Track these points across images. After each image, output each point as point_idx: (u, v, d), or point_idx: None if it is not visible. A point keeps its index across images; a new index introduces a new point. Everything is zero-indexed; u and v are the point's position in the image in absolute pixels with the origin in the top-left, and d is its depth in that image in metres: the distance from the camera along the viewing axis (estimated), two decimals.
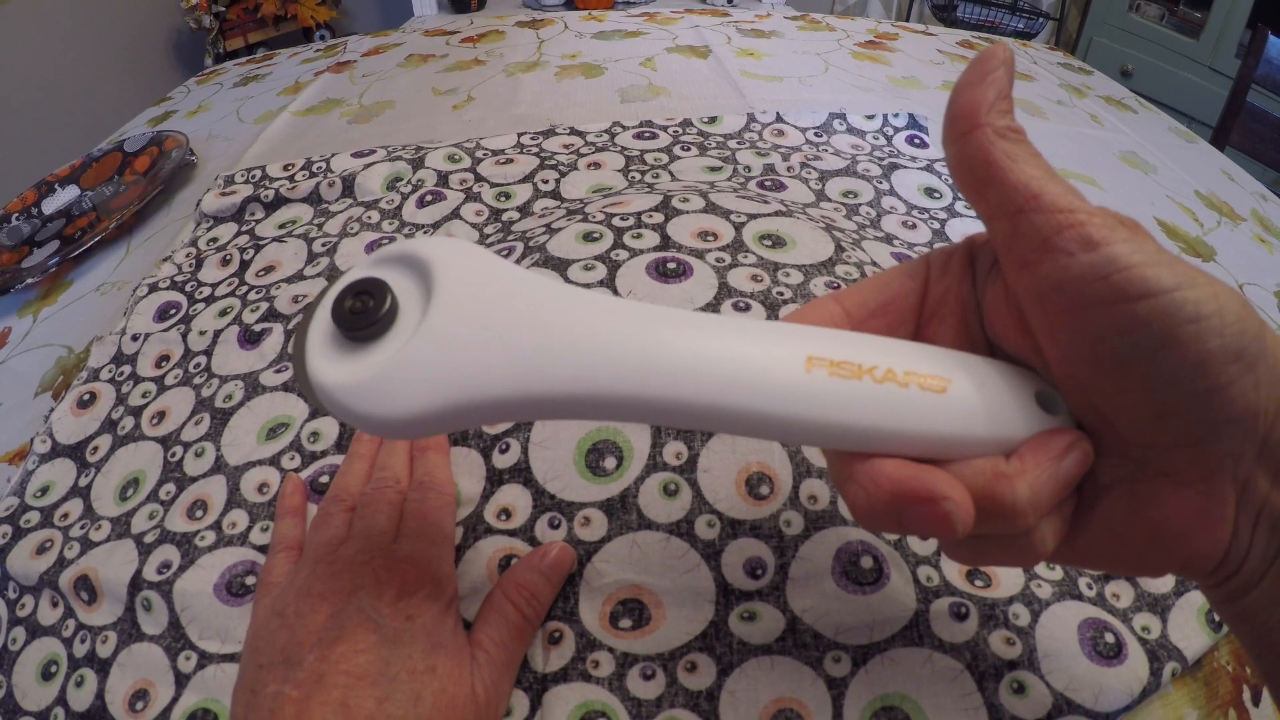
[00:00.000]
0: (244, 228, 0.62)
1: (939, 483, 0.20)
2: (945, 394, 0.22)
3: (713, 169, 0.62)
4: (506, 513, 0.36)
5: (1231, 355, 0.19)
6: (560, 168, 0.64)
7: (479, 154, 0.66)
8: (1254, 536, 0.21)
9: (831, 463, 0.24)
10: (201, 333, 0.50)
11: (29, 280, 0.64)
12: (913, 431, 0.22)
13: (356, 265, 0.23)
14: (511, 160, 0.65)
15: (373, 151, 0.68)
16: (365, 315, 0.20)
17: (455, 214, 0.58)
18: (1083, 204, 0.21)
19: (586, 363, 0.20)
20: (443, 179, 0.62)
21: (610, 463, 0.37)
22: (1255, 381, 0.19)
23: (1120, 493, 0.22)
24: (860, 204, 0.58)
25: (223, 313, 0.52)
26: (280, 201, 0.64)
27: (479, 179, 0.62)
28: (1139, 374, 0.20)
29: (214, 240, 0.61)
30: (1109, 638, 0.33)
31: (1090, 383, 0.21)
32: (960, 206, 0.60)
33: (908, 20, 2.55)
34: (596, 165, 0.64)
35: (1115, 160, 0.77)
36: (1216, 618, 0.34)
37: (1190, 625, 0.34)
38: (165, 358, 0.50)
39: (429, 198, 0.60)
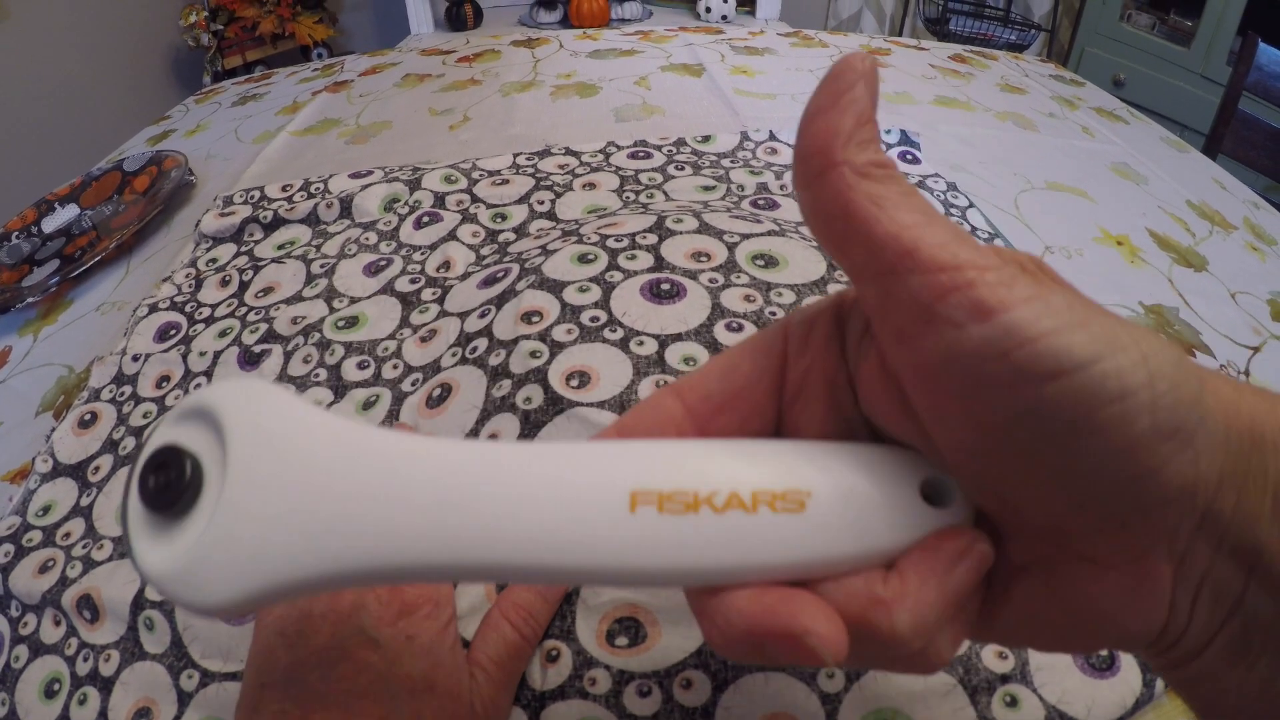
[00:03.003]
0: (243, 248, 0.63)
1: (799, 615, 0.18)
2: (804, 512, 0.19)
3: (706, 188, 0.63)
4: None
5: (1165, 434, 0.16)
6: (556, 188, 0.64)
7: (475, 175, 0.66)
8: (1194, 609, 0.19)
9: (685, 592, 0.21)
10: (202, 354, 0.51)
11: (29, 299, 0.64)
12: (766, 564, 0.19)
13: (161, 421, 0.20)
14: (507, 181, 0.65)
15: (370, 172, 0.69)
16: (168, 491, 0.18)
17: (452, 235, 0.59)
18: (971, 255, 0.16)
19: (384, 535, 0.18)
20: (439, 200, 0.63)
21: None
22: (1194, 455, 0.16)
23: (1036, 576, 0.20)
24: None
25: (222, 334, 0.52)
26: (279, 222, 0.65)
27: (475, 200, 0.63)
28: (1051, 465, 0.17)
29: (213, 261, 0.62)
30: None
31: (991, 473, 0.18)
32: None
33: (900, 34, 2.57)
34: (592, 185, 0.65)
35: (1107, 172, 0.78)
36: None
37: None
38: (166, 378, 0.50)
39: (426, 219, 0.60)
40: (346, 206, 0.64)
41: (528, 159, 0.70)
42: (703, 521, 0.19)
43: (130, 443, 0.46)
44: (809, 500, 0.19)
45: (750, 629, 0.18)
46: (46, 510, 0.44)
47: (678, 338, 0.41)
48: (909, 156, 0.71)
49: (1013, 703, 0.31)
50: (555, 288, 0.44)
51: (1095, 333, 0.16)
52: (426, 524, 0.18)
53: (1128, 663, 0.33)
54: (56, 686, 0.37)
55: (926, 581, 0.18)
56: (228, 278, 0.58)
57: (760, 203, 0.59)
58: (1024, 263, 0.17)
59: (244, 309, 0.55)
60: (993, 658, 0.32)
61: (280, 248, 0.62)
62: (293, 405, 0.19)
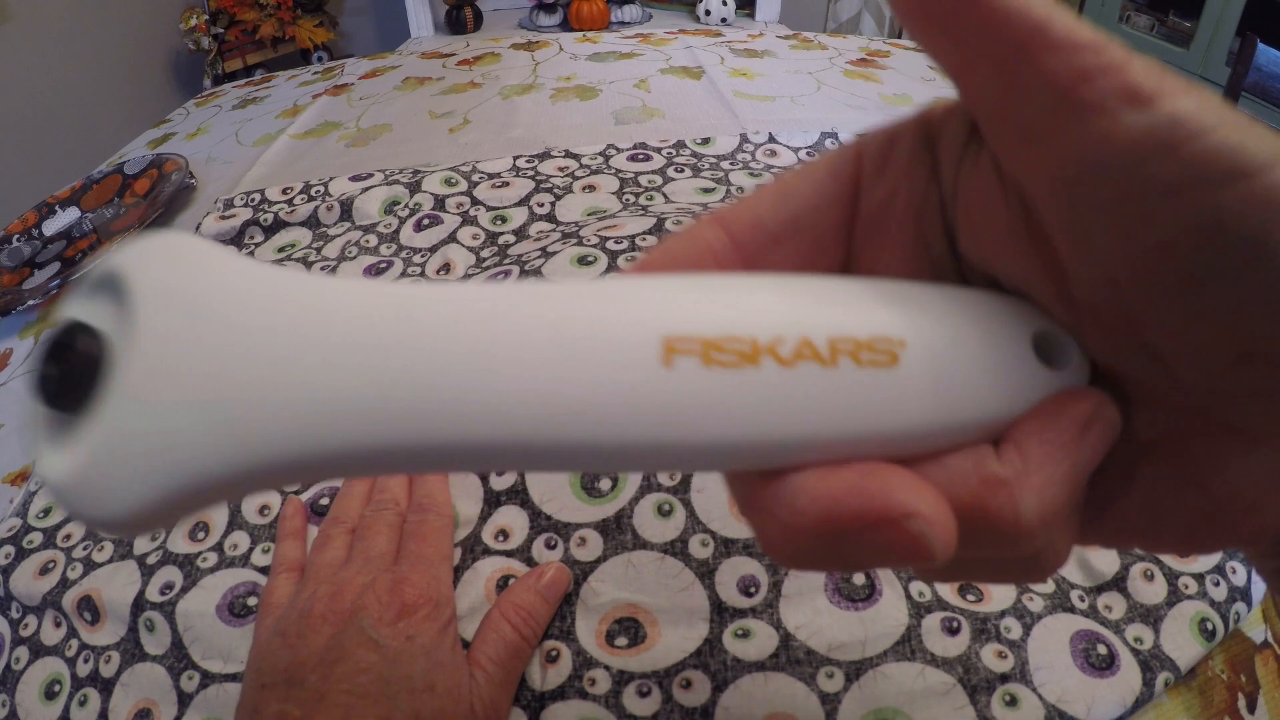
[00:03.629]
0: (243, 251, 0.63)
1: (896, 491, 0.13)
2: (897, 366, 0.15)
3: (706, 190, 0.63)
4: (504, 534, 0.37)
5: None
6: (555, 190, 0.65)
7: (475, 177, 0.67)
8: None
9: (729, 481, 0.17)
10: None
11: (30, 302, 0.64)
12: (847, 434, 0.14)
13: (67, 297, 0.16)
14: (507, 183, 0.65)
15: (370, 175, 0.69)
16: (65, 378, 0.14)
17: (452, 237, 0.59)
18: (1113, 40, 0.13)
19: (334, 408, 0.14)
20: (439, 202, 0.63)
21: (605, 484, 0.37)
22: None
23: (1168, 454, 0.16)
24: None
25: None
26: (279, 225, 0.65)
27: (475, 202, 0.63)
28: (1222, 297, 0.13)
29: None
30: (1101, 649, 0.33)
31: (1142, 313, 0.14)
32: None
33: (900, 37, 2.58)
34: (591, 188, 0.65)
35: None
36: (1210, 627, 0.34)
37: (1183, 635, 0.34)
38: None
39: (426, 221, 0.61)
40: (347, 209, 0.64)
41: (527, 161, 0.70)
42: (764, 377, 0.14)
43: None
44: (902, 351, 0.15)
45: (827, 516, 0.13)
46: (47, 512, 0.44)
47: None
48: None
49: (1012, 702, 0.32)
50: None
51: (1263, 134, 0.12)
52: (384, 392, 0.14)
53: (1127, 662, 0.33)
54: (57, 688, 0.37)
55: (1052, 455, 0.15)
56: None
57: None
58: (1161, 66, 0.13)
59: None
60: (992, 657, 0.33)
61: (281, 250, 0.62)
62: (214, 256, 0.15)
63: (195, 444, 0.13)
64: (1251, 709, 0.34)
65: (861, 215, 0.18)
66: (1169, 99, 0.12)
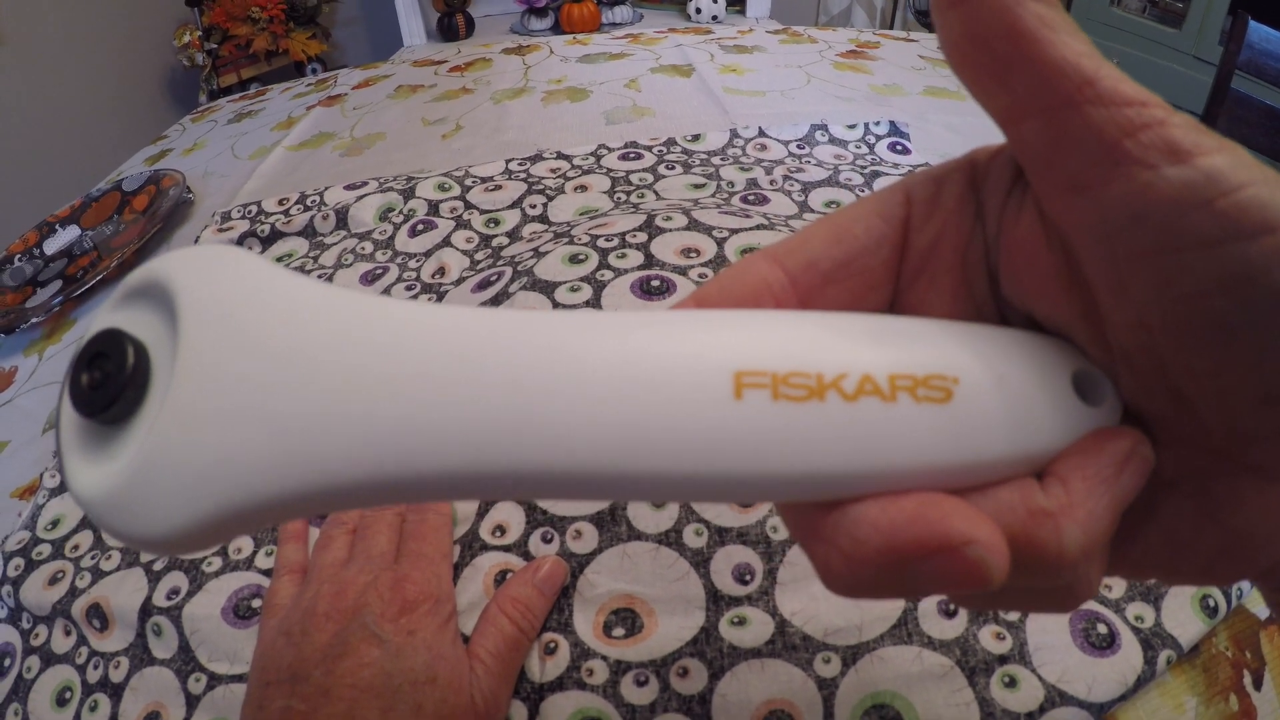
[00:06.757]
0: None
1: (956, 520, 0.14)
2: (952, 402, 0.15)
3: (696, 186, 0.63)
4: (501, 529, 0.37)
5: None
6: (548, 192, 0.65)
7: (468, 182, 0.67)
8: None
9: (786, 514, 0.17)
10: None
11: (33, 320, 0.65)
12: (907, 467, 0.15)
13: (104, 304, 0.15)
14: (500, 187, 0.66)
15: (365, 183, 0.70)
16: (104, 389, 0.13)
17: (446, 242, 0.59)
18: (1155, 96, 0.14)
19: (389, 433, 0.13)
20: (433, 208, 0.64)
21: None
22: None
23: (1189, 491, 0.17)
24: None
25: None
26: (276, 235, 0.65)
27: (469, 206, 0.64)
28: (1249, 345, 0.14)
29: None
30: (1101, 628, 0.33)
31: (1173, 357, 0.15)
32: None
33: (891, 28, 2.57)
34: (583, 188, 0.65)
35: None
36: (1212, 603, 0.34)
37: (1184, 612, 0.34)
38: None
39: (420, 227, 0.61)
40: (342, 217, 0.65)
41: (520, 164, 0.71)
42: (830, 411, 0.15)
43: None
44: (956, 389, 0.15)
45: (889, 546, 0.14)
46: (55, 524, 0.45)
47: None
48: (899, 147, 0.71)
49: (1011, 683, 0.32)
50: (547, 288, 0.45)
51: None
52: (449, 418, 0.14)
53: (1128, 640, 0.33)
54: (68, 695, 0.38)
55: (1094, 489, 0.15)
56: None
57: (750, 198, 0.60)
58: (1196, 121, 0.14)
59: None
60: (990, 638, 0.33)
61: (278, 260, 0.63)
62: (265, 271, 0.14)
63: (244, 465, 0.13)
64: (1258, 685, 0.34)
65: (908, 258, 0.18)
66: (1205, 155, 0.13)
